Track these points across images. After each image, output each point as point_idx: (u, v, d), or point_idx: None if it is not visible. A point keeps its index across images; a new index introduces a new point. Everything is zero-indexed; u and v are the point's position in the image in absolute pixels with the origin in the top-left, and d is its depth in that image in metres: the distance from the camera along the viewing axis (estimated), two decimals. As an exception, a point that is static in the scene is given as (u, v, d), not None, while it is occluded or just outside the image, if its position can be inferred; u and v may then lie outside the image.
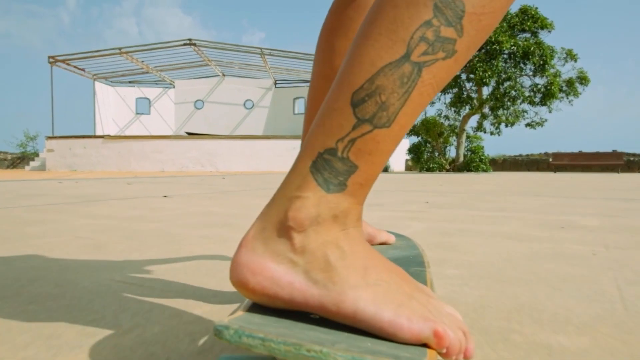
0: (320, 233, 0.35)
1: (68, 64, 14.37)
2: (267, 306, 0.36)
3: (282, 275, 0.35)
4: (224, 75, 18.07)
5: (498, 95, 11.83)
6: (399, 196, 3.32)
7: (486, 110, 13.28)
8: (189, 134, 14.97)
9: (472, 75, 12.19)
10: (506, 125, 12.97)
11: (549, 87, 11.72)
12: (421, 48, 0.32)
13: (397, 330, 0.32)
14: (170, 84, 18.16)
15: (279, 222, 0.36)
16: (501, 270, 0.98)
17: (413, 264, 0.58)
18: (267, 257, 0.35)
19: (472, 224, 1.76)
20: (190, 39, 14.01)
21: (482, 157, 13.81)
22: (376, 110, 0.33)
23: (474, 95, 12.94)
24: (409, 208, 2.39)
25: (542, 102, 12.07)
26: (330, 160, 0.34)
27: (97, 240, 1.33)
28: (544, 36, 12.35)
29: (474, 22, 0.32)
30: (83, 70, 15.21)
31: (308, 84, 18.00)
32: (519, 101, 12.08)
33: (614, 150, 14.89)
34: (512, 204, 2.67)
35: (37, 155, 17.63)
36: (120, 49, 13.79)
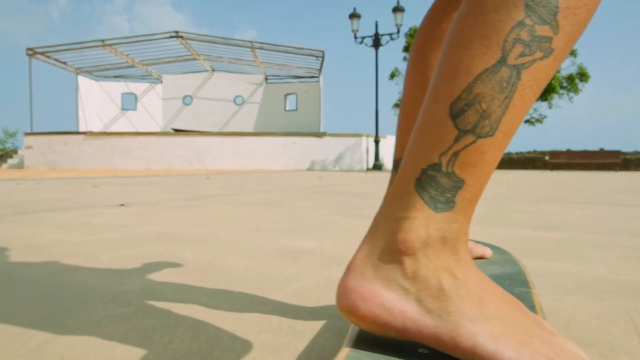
0: (430, 257, 0.33)
1: (48, 57, 13.61)
2: (375, 334, 0.34)
3: (394, 303, 0.33)
4: (213, 70, 17.40)
5: (499, 91, 11.31)
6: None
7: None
8: (176, 130, 14.33)
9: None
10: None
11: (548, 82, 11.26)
12: (517, 50, 0.31)
13: None
14: (158, 79, 17.44)
15: (387, 245, 0.34)
16: None
17: (516, 283, 0.52)
18: (377, 283, 0.34)
19: (543, 257, 1.20)
20: (177, 32, 13.34)
21: (481, 156, 13.34)
22: (478, 119, 0.31)
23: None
24: (432, 225, 1.84)
25: (543, 97, 11.58)
26: (435, 177, 0.33)
27: None
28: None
29: (569, 17, 0.31)
30: (65, 63, 14.43)
31: (300, 79, 17.59)
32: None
33: (601, 149, 14.82)
34: (555, 215, 2.13)
35: (15, 152, 16.84)
36: (103, 41, 13.07)
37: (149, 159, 12.55)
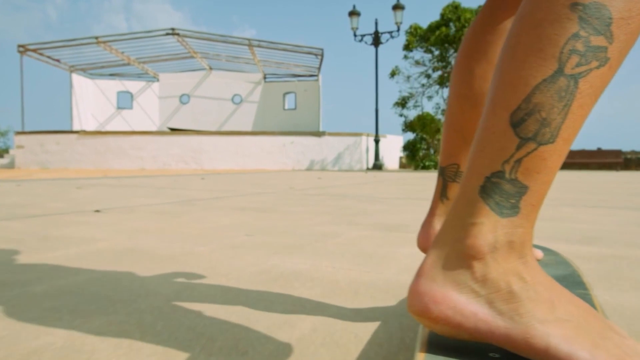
0: (499, 261, 0.34)
1: (41, 54, 13.29)
2: (447, 337, 0.35)
3: (466, 305, 0.34)
4: (210, 68, 17.11)
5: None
6: (421, 211, 2.51)
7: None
8: (172, 129, 14.07)
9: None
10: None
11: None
12: (573, 60, 0.32)
13: None
14: (154, 77, 17.14)
15: (456, 251, 0.35)
16: None
17: (572, 285, 0.51)
18: (448, 286, 0.35)
19: (595, 285, 0.95)
20: (173, 29, 13.05)
21: (482, 155, 13.09)
22: (538, 127, 0.33)
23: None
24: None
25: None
26: (499, 183, 0.34)
27: None
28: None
29: (622, 27, 0.32)
30: (58, 61, 14.10)
31: (299, 78, 17.31)
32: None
33: (598, 148, 14.71)
34: (582, 222, 1.88)
35: (7, 152, 16.53)
36: (97, 38, 12.76)
37: (144, 159, 12.26)
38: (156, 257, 1.20)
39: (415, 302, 0.35)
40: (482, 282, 0.34)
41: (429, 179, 6.96)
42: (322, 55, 14.12)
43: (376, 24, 13.08)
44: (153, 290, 0.89)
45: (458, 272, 0.35)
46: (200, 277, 1.00)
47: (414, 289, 0.36)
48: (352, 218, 2.09)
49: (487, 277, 0.34)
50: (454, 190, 0.64)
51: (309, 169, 12.79)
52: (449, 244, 0.35)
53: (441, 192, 0.65)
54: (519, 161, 0.33)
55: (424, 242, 0.64)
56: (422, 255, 1.25)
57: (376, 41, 13.03)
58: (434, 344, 0.35)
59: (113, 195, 3.37)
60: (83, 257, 1.19)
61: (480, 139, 0.35)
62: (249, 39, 13.26)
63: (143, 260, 1.17)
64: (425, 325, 0.35)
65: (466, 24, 10.82)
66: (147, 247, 1.33)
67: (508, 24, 0.62)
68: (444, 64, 11.91)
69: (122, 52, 14.27)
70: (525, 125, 0.33)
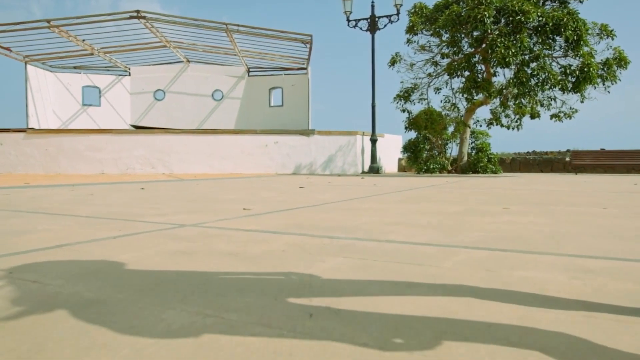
0: None
1: (-15, 41, 11.55)
2: None
3: None
4: (188, 61, 15.38)
5: (524, 79, 9.36)
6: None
7: (499, 99, 10.88)
8: (136, 127, 12.33)
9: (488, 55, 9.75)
10: (532, 117, 10.52)
11: (585, 69, 9.30)
12: None
13: None
14: (125, 70, 15.39)
15: None
16: None
17: None
18: None
19: None
20: (138, 11, 11.31)
21: (491, 156, 11.47)
22: None
23: (494, 79, 10.34)
24: None
25: (577, 88, 9.62)
26: None
27: None
28: (575, 7, 9.98)
29: None
30: (9, 50, 12.31)
31: (286, 72, 15.63)
32: (547, 86, 9.63)
33: (602, 149, 13.35)
34: None
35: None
36: (49, 21, 11.00)
37: (104, 162, 10.53)
38: None
39: None
40: None
41: (450, 188, 5.25)
42: (310, 44, 12.44)
43: (372, 7, 11.48)
44: None
45: None
46: None
47: None
48: None
49: None
50: None
51: (295, 172, 11.11)
52: None
53: None
54: None
55: None
56: None
57: (372, 27, 11.40)
58: None
59: None
60: None
61: None
62: (226, 24, 11.55)
63: None
64: None
65: (483, 1, 9.15)
66: None
67: None
68: (454, 49, 10.21)
69: (83, 40, 12.50)
70: None
